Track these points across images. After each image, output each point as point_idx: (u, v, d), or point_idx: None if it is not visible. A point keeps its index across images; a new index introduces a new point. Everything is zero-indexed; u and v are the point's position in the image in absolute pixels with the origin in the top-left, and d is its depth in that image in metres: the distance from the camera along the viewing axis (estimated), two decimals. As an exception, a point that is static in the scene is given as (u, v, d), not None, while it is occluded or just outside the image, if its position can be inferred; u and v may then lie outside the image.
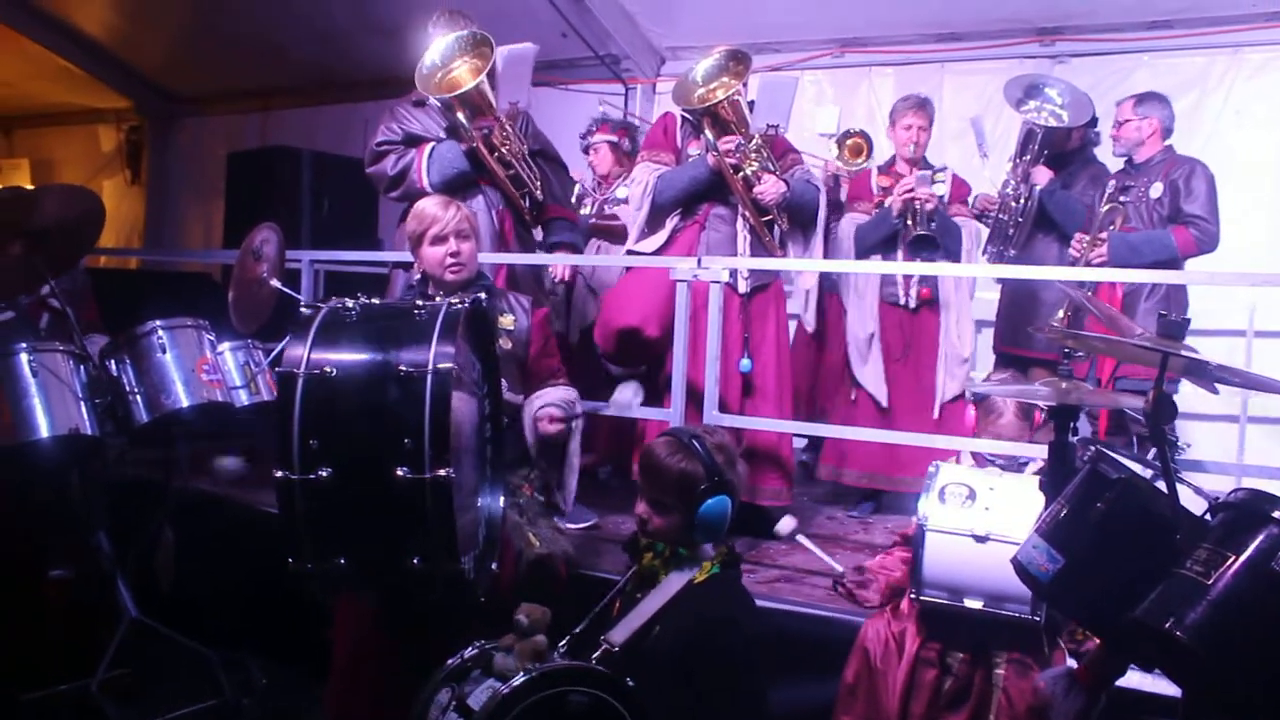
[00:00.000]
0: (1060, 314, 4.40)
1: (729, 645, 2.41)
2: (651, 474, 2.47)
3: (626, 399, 3.48)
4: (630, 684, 2.21)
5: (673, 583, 2.45)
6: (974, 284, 4.70)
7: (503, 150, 3.99)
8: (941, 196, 4.47)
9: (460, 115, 3.91)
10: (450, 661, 2.32)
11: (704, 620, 2.40)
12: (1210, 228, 4.26)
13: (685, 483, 2.41)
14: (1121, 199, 4.42)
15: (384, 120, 4.14)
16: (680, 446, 2.46)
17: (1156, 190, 4.36)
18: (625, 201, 5.11)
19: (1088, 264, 4.31)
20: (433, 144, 4.02)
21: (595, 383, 4.30)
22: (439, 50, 3.95)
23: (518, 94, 3.99)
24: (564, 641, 2.37)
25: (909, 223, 4.37)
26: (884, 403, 4.49)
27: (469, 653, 2.32)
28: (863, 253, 4.55)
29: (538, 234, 4.33)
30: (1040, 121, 4.58)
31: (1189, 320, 1.98)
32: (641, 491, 2.50)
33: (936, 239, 4.31)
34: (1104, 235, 4.36)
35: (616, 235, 4.98)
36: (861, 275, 4.56)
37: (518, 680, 2.15)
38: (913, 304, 4.50)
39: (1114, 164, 4.78)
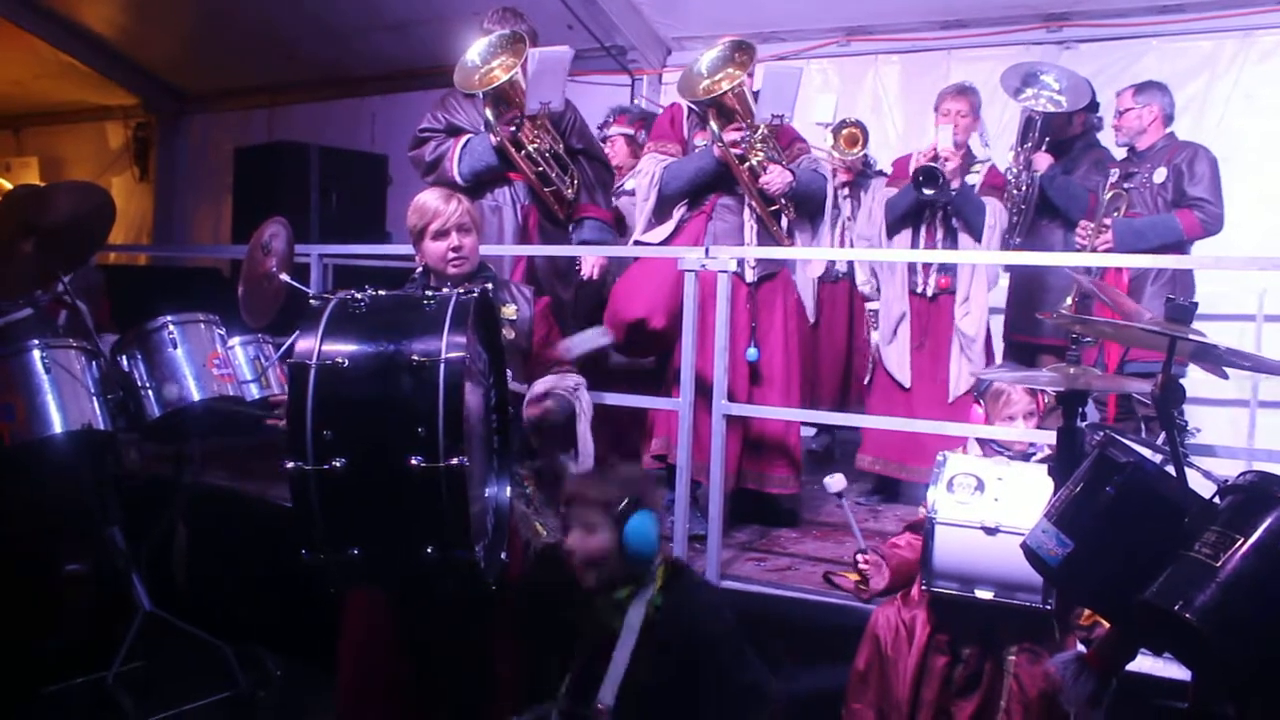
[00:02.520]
0: (1068, 300, 4.39)
1: (714, 648, 2.47)
2: (574, 501, 2.57)
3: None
4: None
5: (632, 624, 2.49)
6: (995, 268, 4.65)
7: (530, 148, 4.02)
8: (971, 185, 4.45)
9: (490, 111, 3.95)
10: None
11: (679, 643, 2.46)
12: (1214, 209, 4.27)
13: (605, 503, 2.51)
14: (1125, 185, 4.42)
15: (432, 107, 4.21)
16: (594, 475, 2.64)
17: (1160, 175, 4.37)
18: (632, 194, 5.12)
19: (1094, 251, 4.31)
20: (468, 136, 4.07)
21: (598, 376, 4.29)
22: (479, 50, 4.00)
23: (550, 95, 4.00)
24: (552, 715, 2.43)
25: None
26: (906, 384, 4.47)
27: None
28: (892, 222, 4.50)
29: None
30: (1039, 108, 4.57)
31: (1197, 304, 1.98)
32: (568, 526, 2.56)
33: (940, 172, 4.25)
34: (1108, 221, 4.36)
35: (622, 227, 4.98)
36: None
37: None
38: (930, 293, 4.48)
39: (1117, 152, 4.77)
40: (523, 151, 4.02)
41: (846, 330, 5.34)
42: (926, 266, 4.46)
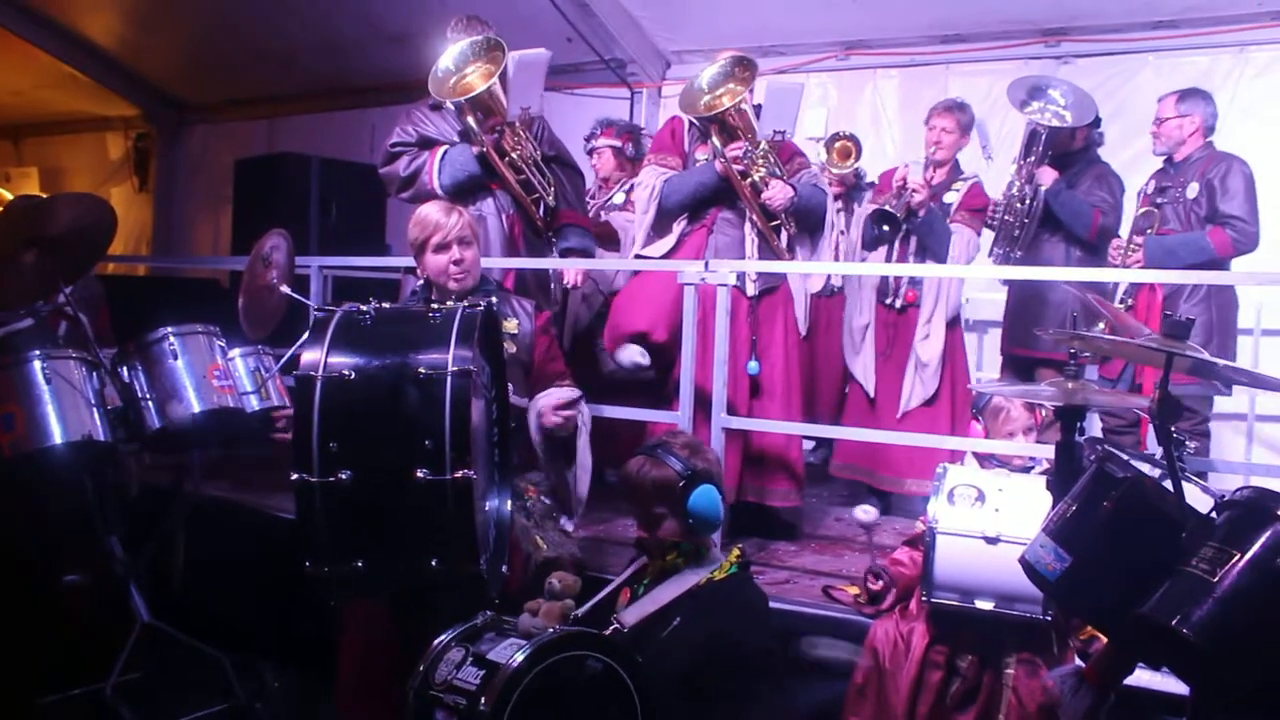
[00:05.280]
0: (1099, 326, 4.35)
1: (759, 644, 2.56)
2: (633, 493, 2.64)
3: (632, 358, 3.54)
4: (640, 662, 2.26)
5: (690, 576, 2.58)
6: (959, 291, 4.64)
7: (513, 155, 4.01)
8: (948, 204, 4.47)
9: (471, 119, 3.94)
10: (456, 627, 2.36)
11: (733, 616, 2.54)
12: (1248, 228, 4.13)
13: (663, 487, 2.57)
14: (1159, 200, 4.34)
15: (400, 122, 4.18)
16: (646, 458, 2.63)
17: (1193, 190, 4.24)
18: (622, 207, 5.14)
19: (1125, 269, 4.26)
20: (445, 147, 4.04)
21: (594, 388, 4.30)
22: (452, 56, 3.98)
23: (530, 99, 4.00)
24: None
25: (890, 204, 4.38)
26: (871, 393, 4.53)
27: (479, 619, 2.38)
28: (869, 240, 4.56)
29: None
30: (1044, 122, 4.58)
31: (1194, 320, 1.99)
32: (635, 515, 2.65)
33: (898, 216, 4.31)
34: (1139, 240, 4.29)
35: (610, 240, 4.99)
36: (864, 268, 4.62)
37: (545, 637, 2.20)
38: (899, 304, 4.52)
39: (1119, 165, 4.78)
40: (506, 159, 4.01)
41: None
42: (898, 279, 4.50)
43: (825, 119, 5.64)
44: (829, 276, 5.18)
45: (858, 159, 5.29)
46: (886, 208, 4.33)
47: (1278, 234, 5.19)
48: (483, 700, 2.09)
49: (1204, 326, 4.08)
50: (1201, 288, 4.17)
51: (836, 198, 5.31)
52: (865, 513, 3.10)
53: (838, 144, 5.33)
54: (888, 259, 4.54)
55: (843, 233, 5.31)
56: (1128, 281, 4.28)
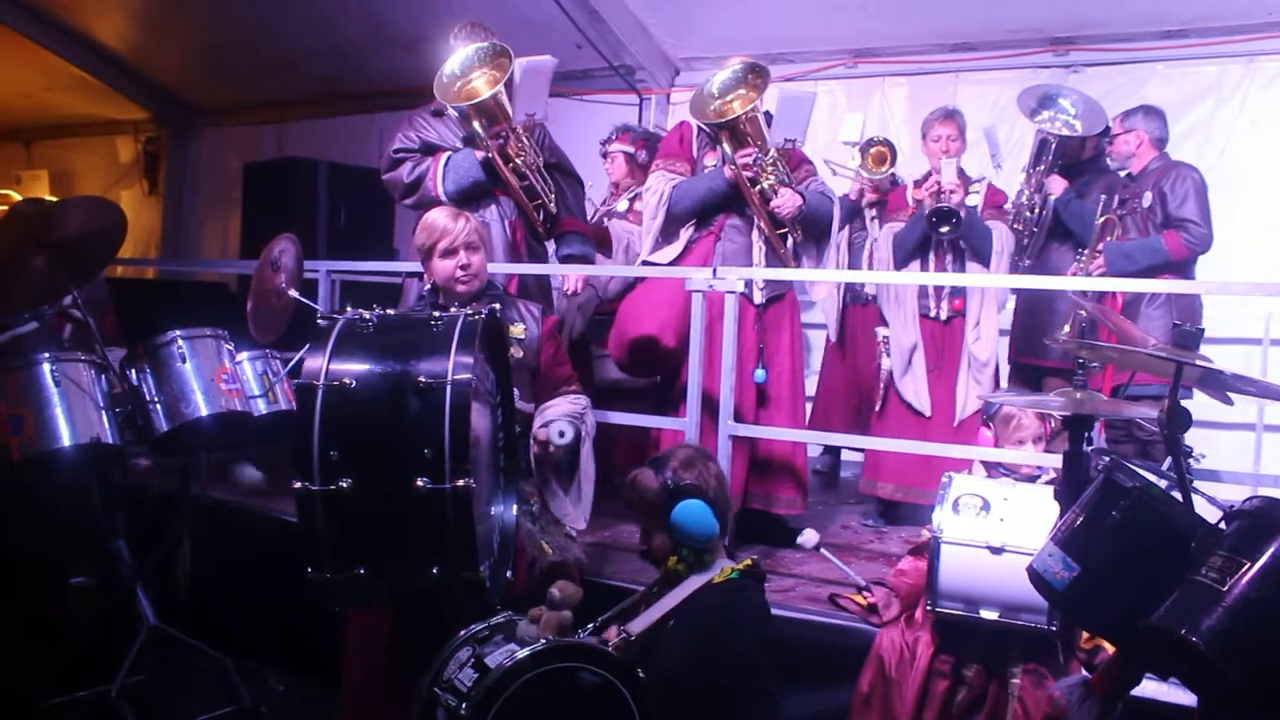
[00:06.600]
0: (1065, 328, 4.39)
1: (739, 645, 2.55)
2: (629, 506, 2.74)
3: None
4: (640, 674, 2.26)
5: (692, 582, 2.60)
6: (1003, 290, 4.65)
7: (517, 161, 4.02)
8: (974, 207, 4.45)
9: (477, 125, 3.94)
10: (475, 625, 2.39)
11: (718, 618, 2.54)
12: (1200, 230, 4.28)
13: (648, 502, 2.65)
14: (1119, 212, 4.46)
15: (402, 128, 4.19)
16: (641, 472, 2.70)
17: (1147, 199, 4.41)
18: (625, 215, 5.14)
19: (1089, 276, 4.34)
20: (449, 153, 4.05)
21: (589, 395, 4.30)
22: (458, 61, 3.99)
23: (535, 106, 4.02)
24: (586, 628, 2.51)
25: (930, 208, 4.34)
26: (927, 413, 4.43)
27: (496, 620, 2.41)
28: (902, 258, 4.50)
29: (551, 246, 4.36)
30: (1054, 131, 4.58)
31: (1203, 329, 1.99)
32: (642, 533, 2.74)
33: (956, 212, 4.28)
34: (1100, 247, 4.39)
35: (602, 245, 4.99)
36: (899, 285, 4.52)
37: (536, 646, 2.21)
38: (944, 315, 4.47)
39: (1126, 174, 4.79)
40: (510, 165, 4.02)
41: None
42: (939, 290, 4.45)
43: (862, 124, 5.59)
44: (861, 284, 5.11)
45: (893, 164, 5.23)
46: (940, 206, 4.28)
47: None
48: (464, 706, 2.10)
49: (1166, 332, 4.11)
50: (1161, 294, 4.27)
51: (870, 205, 5.24)
52: (808, 537, 3.20)
53: (873, 149, 5.27)
54: (923, 269, 4.48)
55: (876, 240, 5.26)
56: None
